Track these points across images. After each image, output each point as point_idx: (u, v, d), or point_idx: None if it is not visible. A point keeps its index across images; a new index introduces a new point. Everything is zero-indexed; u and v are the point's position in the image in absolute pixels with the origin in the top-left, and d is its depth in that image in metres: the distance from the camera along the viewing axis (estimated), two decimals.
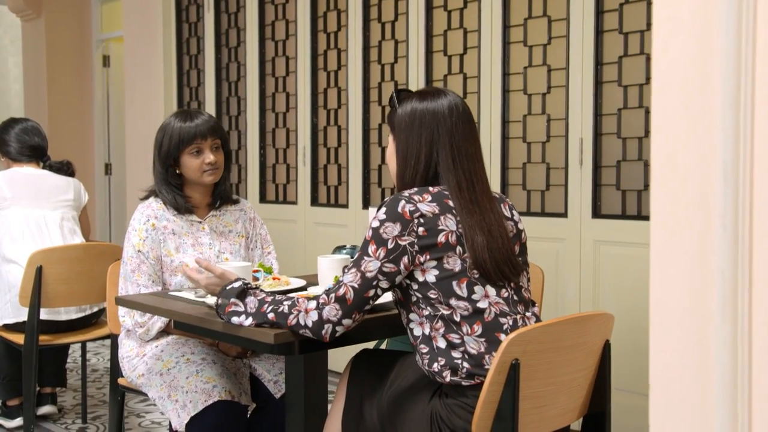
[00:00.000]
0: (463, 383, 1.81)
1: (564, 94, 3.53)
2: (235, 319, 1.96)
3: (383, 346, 3.04)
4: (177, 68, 5.55)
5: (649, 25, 3.29)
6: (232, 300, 1.98)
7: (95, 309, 3.48)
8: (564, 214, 3.52)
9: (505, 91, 3.74)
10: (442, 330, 1.84)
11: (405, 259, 1.83)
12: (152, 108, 5.63)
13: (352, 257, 2.44)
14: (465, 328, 1.82)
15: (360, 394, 2.07)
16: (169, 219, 2.61)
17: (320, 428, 2.18)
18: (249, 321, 1.94)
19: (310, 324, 1.85)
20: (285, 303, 1.91)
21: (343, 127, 4.48)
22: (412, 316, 1.90)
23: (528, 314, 1.90)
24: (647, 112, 3.30)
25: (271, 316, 1.91)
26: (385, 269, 1.83)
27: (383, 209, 1.87)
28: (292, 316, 1.88)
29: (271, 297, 1.96)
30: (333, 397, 2.28)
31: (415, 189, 1.91)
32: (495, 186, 3.75)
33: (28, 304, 3.16)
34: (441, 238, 1.83)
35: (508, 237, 1.91)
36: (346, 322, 1.85)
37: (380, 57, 4.28)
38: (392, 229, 1.83)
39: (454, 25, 3.94)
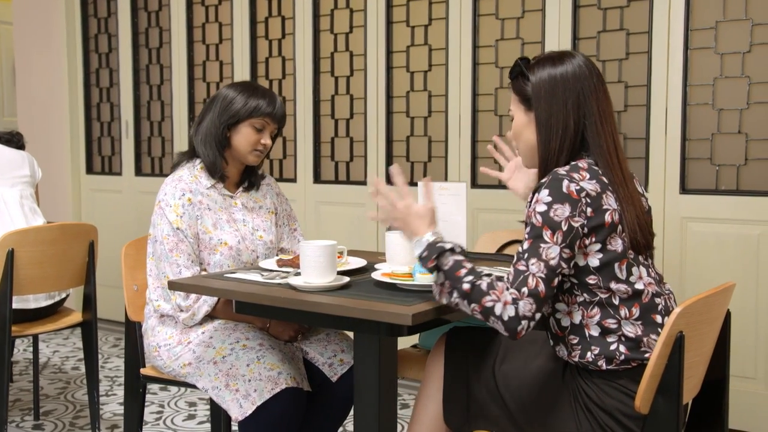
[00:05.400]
0: (620, 369, 1.78)
1: None
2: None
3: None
4: (82, 32, 5.13)
5: (629, 0, 3.37)
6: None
7: (63, 295, 3.16)
8: None
9: (476, 64, 3.73)
10: (597, 317, 1.77)
11: (577, 242, 1.74)
12: (52, 77, 5.17)
13: None
14: (623, 312, 1.77)
15: (464, 372, 2.00)
16: (203, 193, 2.41)
17: (392, 408, 2.10)
18: (442, 279, 1.78)
19: (506, 318, 1.69)
20: (484, 279, 1.74)
21: (289, 99, 4.31)
22: (560, 305, 1.82)
23: (669, 292, 1.89)
24: (627, 86, 3.39)
25: (466, 287, 1.73)
26: (564, 255, 1.73)
27: (546, 191, 1.75)
28: (489, 298, 1.71)
29: (470, 264, 1.78)
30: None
31: (567, 167, 1.81)
32: (460, 163, 3.74)
33: None
34: (607, 218, 1.76)
35: (643, 206, 1.89)
36: (538, 316, 1.72)
37: (332, 26, 4.14)
38: (562, 211, 1.73)
39: None
